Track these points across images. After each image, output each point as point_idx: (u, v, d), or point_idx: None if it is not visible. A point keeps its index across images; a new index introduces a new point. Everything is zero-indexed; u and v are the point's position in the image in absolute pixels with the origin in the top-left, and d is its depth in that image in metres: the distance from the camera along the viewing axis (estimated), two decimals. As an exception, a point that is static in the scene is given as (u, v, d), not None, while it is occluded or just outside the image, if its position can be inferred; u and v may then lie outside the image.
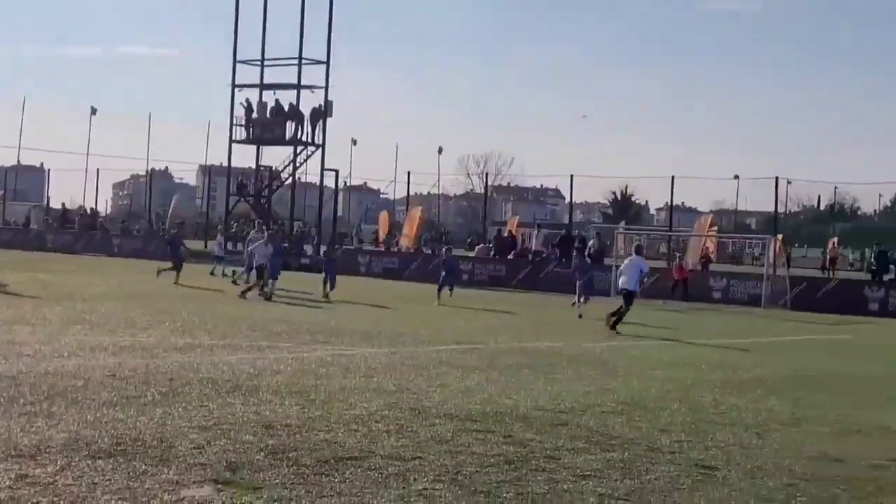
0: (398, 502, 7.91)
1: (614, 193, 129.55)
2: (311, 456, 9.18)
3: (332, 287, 30.59)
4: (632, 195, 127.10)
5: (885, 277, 42.50)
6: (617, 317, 23.38)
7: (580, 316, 27.63)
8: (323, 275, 31.62)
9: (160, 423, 10.26)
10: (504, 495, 8.28)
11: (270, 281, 29.25)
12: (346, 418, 11.03)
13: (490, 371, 15.60)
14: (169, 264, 34.61)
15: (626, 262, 25.37)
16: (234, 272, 35.99)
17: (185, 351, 16.11)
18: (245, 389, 12.55)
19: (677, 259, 41.24)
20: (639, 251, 25.59)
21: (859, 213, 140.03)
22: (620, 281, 24.47)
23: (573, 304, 29.94)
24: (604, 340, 21.79)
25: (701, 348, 21.06)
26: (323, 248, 40.19)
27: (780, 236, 58.63)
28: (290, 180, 57.16)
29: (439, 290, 31.49)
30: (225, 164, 58.37)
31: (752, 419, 12.51)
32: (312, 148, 55.07)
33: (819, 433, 11.81)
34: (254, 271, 30.61)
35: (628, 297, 23.53)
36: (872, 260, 50.92)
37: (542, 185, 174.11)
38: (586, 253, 46.24)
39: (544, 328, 24.26)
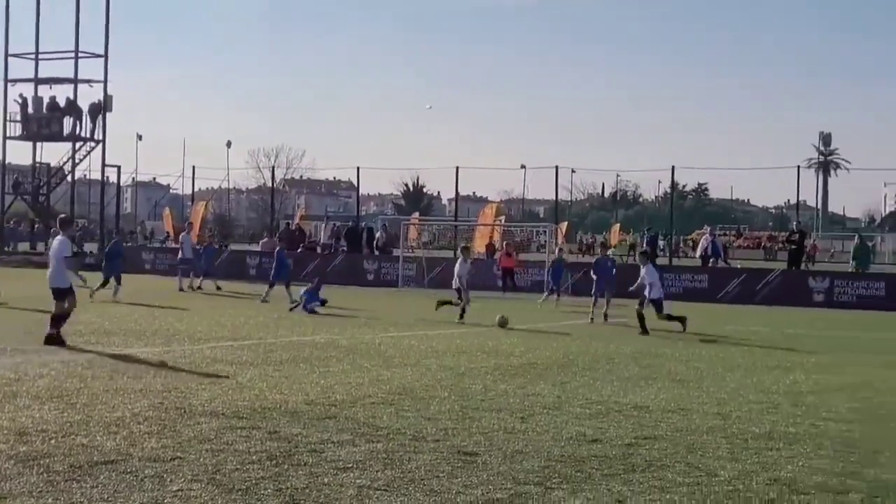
0: (151, 505, 7.80)
1: (406, 185, 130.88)
2: (64, 462, 8.94)
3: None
4: (423, 186, 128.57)
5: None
6: (678, 320, 23.92)
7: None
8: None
9: None
10: (262, 492, 8.25)
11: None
12: (107, 421, 10.78)
13: (264, 366, 15.49)
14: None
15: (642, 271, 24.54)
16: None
17: (-56, 358, 15.43)
18: (2, 396, 12.11)
19: (503, 248, 40.77)
20: (645, 257, 25.55)
21: (641, 199, 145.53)
22: (650, 292, 23.91)
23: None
24: (383, 331, 21.94)
25: (478, 336, 21.38)
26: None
27: (563, 224, 60.49)
28: (69, 177, 55.53)
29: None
30: (1, 161, 56.27)
31: (519, 404, 12.81)
32: (92, 143, 53.59)
33: (580, 415, 12.19)
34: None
35: (658, 304, 23.94)
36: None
37: (335, 178, 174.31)
38: (375, 245, 46.70)
39: (324, 321, 24.20)
